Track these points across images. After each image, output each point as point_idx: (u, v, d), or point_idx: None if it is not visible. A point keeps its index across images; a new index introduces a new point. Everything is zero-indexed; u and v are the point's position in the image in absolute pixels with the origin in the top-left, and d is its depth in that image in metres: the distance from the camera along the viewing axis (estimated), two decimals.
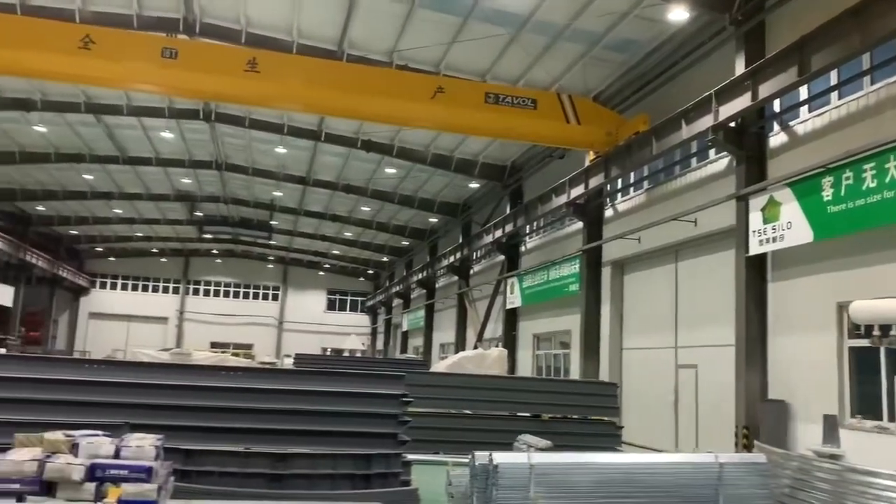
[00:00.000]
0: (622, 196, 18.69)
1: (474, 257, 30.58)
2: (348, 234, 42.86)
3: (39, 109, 23.83)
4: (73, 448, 5.31)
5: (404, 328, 43.76)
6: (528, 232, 24.75)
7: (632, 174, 17.70)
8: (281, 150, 27.87)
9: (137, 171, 32.35)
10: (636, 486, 6.68)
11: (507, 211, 25.38)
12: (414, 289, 41.17)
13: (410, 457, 8.69)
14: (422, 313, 38.45)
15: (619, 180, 18.21)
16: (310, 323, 53.77)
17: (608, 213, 19.22)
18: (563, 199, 19.61)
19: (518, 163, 25.32)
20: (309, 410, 8.35)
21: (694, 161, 15.60)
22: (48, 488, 5.02)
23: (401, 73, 17.73)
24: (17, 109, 23.85)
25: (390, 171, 28.32)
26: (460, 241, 31.15)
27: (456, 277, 32.31)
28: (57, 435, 5.43)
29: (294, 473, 7.83)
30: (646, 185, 17.49)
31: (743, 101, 12.38)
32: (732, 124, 13.08)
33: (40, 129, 26.33)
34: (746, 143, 13.20)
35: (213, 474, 7.51)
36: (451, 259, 31.54)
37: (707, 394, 14.71)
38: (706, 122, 13.29)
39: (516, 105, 16.35)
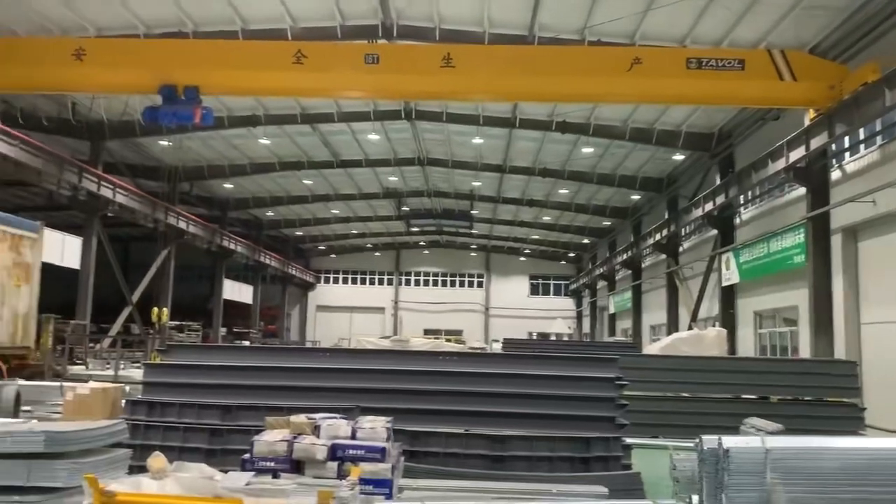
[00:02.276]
0: (850, 155, 16.86)
1: (683, 233, 29.17)
2: (547, 218, 42.75)
3: (263, 124, 26.28)
4: (315, 430, 5.78)
5: (611, 310, 42.89)
6: (742, 202, 23.14)
7: (861, 130, 15.89)
8: (477, 140, 28.44)
9: (350, 173, 34.68)
10: (889, 474, 5.98)
11: (717, 181, 23.88)
12: (619, 270, 40.17)
13: (629, 441, 8.50)
14: (629, 294, 37.44)
15: (846, 138, 16.43)
16: (514, 308, 54.55)
17: (835, 175, 17.43)
18: (780, 163, 18.09)
19: (726, 129, 23.72)
20: (523, 394, 8.45)
21: None
22: (297, 466, 5.51)
23: (594, 49, 17.31)
24: (244, 126, 26.49)
25: (587, 150, 27.82)
26: (666, 217, 29.85)
27: (664, 256, 31.03)
28: (301, 418, 5.95)
29: (513, 455, 7.97)
30: (879, 140, 15.63)
31: None
32: None
33: (265, 141, 29.08)
34: None
35: (437, 455, 7.84)
36: (658, 237, 30.33)
37: None
38: None
39: (722, 68, 15.24)
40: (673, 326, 28.95)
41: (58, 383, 14.17)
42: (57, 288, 21.22)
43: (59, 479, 5.17)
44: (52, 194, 24.68)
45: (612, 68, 15.69)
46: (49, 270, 17.61)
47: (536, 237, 49.30)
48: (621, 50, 17.00)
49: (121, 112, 24.29)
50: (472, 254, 56.71)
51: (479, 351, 25.80)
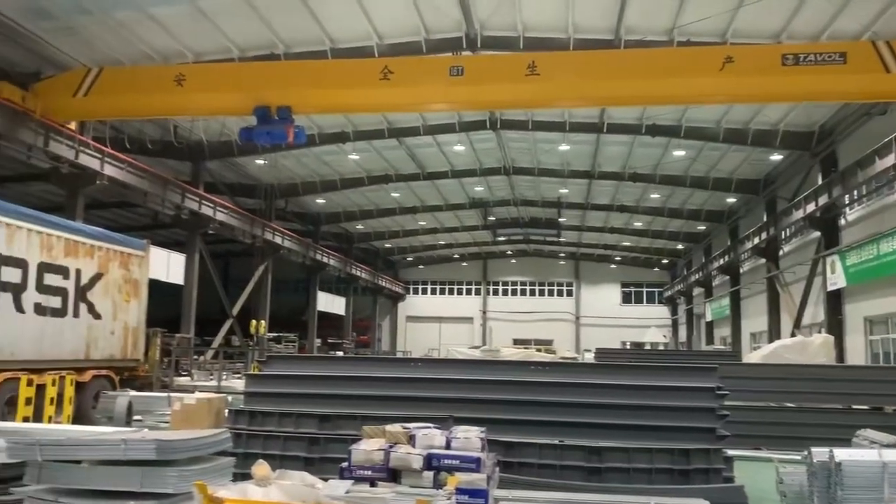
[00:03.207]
0: None
1: (783, 236, 27.97)
2: (638, 224, 41.85)
3: (352, 140, 26.92)
4: (411, 439, 5.83)
5: (708, 318, 41.51)
6: (847, 202, 21.98)
7: None
8: (564, 147, 28.16)
9: (436, 185, 35.04)
10: None
11: (819, 181, 22.81)
12: (715, 276, 38.89)
13: (731, 452, 8.19)
14: (726, 301, 36.18)
15: None
16: (606, 317, 53.50)
17: None
18: (889, 160, 17.12)
19: (827, 126, 22.62)
20: (619, 404, 8.27)
21: None
22: (393, 475, 5.56)
23: (683, 50, 16.84)
24: (334, 143, 27.20)
25: (679, 153, 27.10)
26: (765, 220, 28.72)
27: (763, 260, 29.85)
28: (396, 427, 6.01)
29: (610, 467, 7.81)
30: None
31: None
32: None
33: (354, 157, 29.78)
34: None
35: (532, 466, 7.77)
36: (756, 240, 29.23)
37: None
38: None
39: (821, 62, 14.51)
40: (774, 334, 27.77)
41: (165, 394, 14.93)
42: (163, 303, 22.35)
43: (169, 485, 5.42)
44: (157, 214, 26.07)
45: (702, 69, 15.22)
46: (155, 286, 18.55)
47: (627, 244, 48.27)
48: (712, 49, 16.48)
49: (219, 133, 25.41)
50: (561, 262, 56.08)
51: (570, 361, 25.48)
